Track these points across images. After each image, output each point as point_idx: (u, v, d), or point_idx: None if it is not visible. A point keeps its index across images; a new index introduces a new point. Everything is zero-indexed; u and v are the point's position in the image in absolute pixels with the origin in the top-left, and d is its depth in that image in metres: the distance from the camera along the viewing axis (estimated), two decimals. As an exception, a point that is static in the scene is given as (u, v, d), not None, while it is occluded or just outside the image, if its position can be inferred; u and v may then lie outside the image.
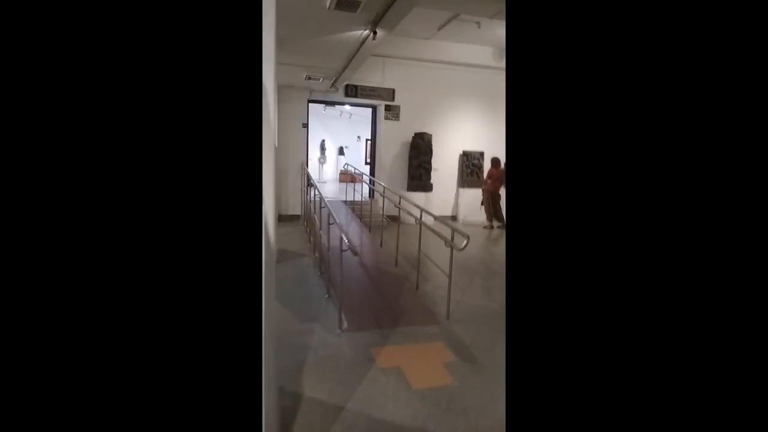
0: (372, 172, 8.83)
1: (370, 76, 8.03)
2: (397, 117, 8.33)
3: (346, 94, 8.01)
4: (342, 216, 7.14)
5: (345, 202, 8.28)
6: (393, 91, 8.21)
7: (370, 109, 8.72)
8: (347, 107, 13.49)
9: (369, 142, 17.03)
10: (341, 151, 15.79)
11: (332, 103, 8.44)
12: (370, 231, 6.49)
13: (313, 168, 14.40)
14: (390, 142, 8.42)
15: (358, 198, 8.03)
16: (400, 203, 5.12)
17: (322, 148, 14.81)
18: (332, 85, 6.90)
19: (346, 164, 8.33)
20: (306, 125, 8.11)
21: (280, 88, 7.72)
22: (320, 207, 4.86)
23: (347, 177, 15.96)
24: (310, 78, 6.61)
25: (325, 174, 15.00)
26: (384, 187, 6.60)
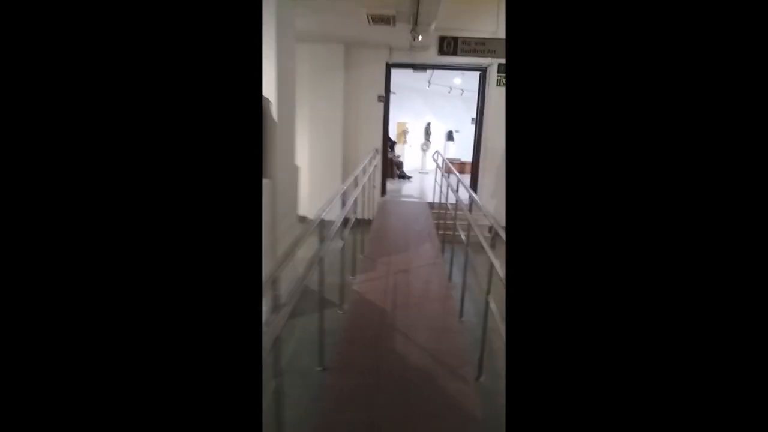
0: (475, 164, 6.16)
1: (477, 24, 5.32)
2: (515, 83, 5.49)
3: (441, 51, 5.44)
4: (412, 232, 4.65)
5: (431, 204, 5.80)
6: (512, 43, 5.38)
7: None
8: (458, 80, 10.78)
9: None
10: (450, 136, 13.15)
11: (422, 67, 5.96)
12: (451, 274, 3.69)
13: (413, 156, 12.12)
14: (497, 119, 5.63)
15: (459, 197, 5.28)
16: (491, 234, 2.50)
17: (427, 133, 12.39)
18: (412, 31, 4.43)
19: (436, 152, 5.82)
20: (384, 98, 5.81)
21: (348, 48, 5.53)
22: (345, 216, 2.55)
23: (454, 166, 13.37)
24: (374, 20, 4.26)
25: (429, 163, 12.59)
26: (468, 195, 3.75)
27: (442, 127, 13.11)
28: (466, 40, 5.37)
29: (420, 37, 4.42)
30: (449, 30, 5.35)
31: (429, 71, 7.51)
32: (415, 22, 4.26)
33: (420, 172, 12.02)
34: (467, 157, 13.64)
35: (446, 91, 11.71)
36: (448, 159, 12.63)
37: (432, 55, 5.47)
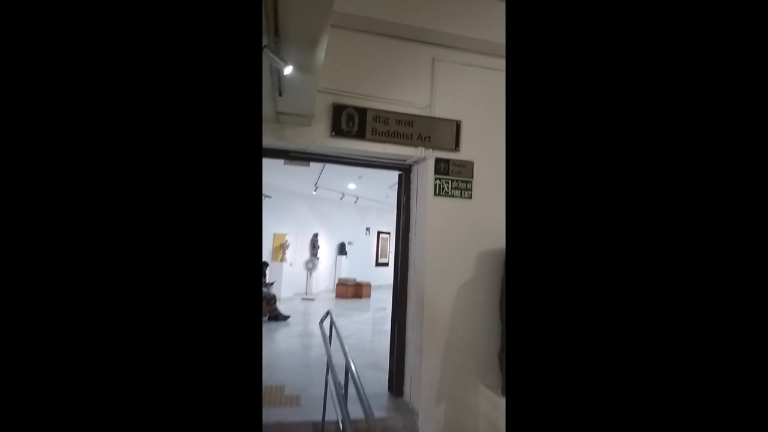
0: (400, 324, 3.33)
1: (402, 91, 3.00)
2: (463, 190, 3.11)
3: (337, 131, 2.88)
4: None
5: (323, 427, 2.65)
6: (457, 126, 3.11)
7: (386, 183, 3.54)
8: (352, 186, 8.58)
9: (381, 235, 11.77)
10: (342, 250, 10.53)
11: (302, 158, 3.26)
12: None
13: (294, 277, 9.00)
14: (442, 255, 3.06)
15: (360, 347, 1.87)
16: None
17: (314, 247, 9.58)
18: (266, 47, 1.78)
19: (327, 319, 2.82)
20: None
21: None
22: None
23: (348, 289, 10.51)
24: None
25: (316, 284, 9.55)
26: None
27: (333, 238, 10.50)
28: (383, 116, 2.94)
29: (289, 70, 1.76)
30: (352, 97, 2.90)
31: (316, 167, 4.90)
32: (276, 30, 1.61)
33: (303, 298, 8.85)
34: (363, 275, 11.03)
35: (338, 197, 9.38)
36: (341, 279, 9.80)
37: (320, 137, 2.87)
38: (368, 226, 11.55)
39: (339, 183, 7.83)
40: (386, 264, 12.33)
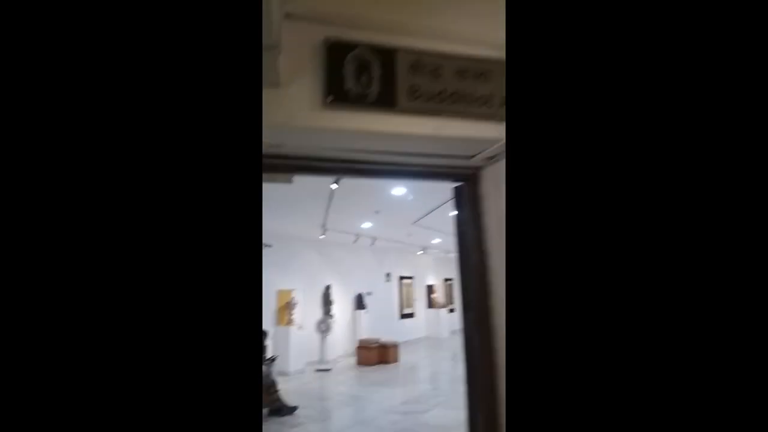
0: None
1: (460, 17, 1.52)
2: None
3: (335, 93, 1.39)
4: None
5: None
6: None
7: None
8: (367, 225, 7.02)
9: (404, 281, 10.09)
10: (360, 303, 8.79)
11: (278, 168, 1.79)
12: None
13: (304, 343, 7.23)
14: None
15: None
16: None
17: (327, 303, 7.88)
18: None
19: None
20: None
21: None
22: None
23: (372, 353, 8.56)
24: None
25: (332, 349, 7.73)
26: None
27: (349, 290, 8.82)
28: (429, 63, 1.41)
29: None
30: (365, 29, 1.39)
31: (319, 200, 3.37)
32: None
33: (318, 369, 7.03)
34: (387, 330, 9.16)
35: (351, 240, 7.83)
36: (362, 341, 7.95)
37: (303, 108, 1.33)
38: (388, 271, 9.86)
39: (351, 221, 6.29)
40: (411, 315, 10.48)
